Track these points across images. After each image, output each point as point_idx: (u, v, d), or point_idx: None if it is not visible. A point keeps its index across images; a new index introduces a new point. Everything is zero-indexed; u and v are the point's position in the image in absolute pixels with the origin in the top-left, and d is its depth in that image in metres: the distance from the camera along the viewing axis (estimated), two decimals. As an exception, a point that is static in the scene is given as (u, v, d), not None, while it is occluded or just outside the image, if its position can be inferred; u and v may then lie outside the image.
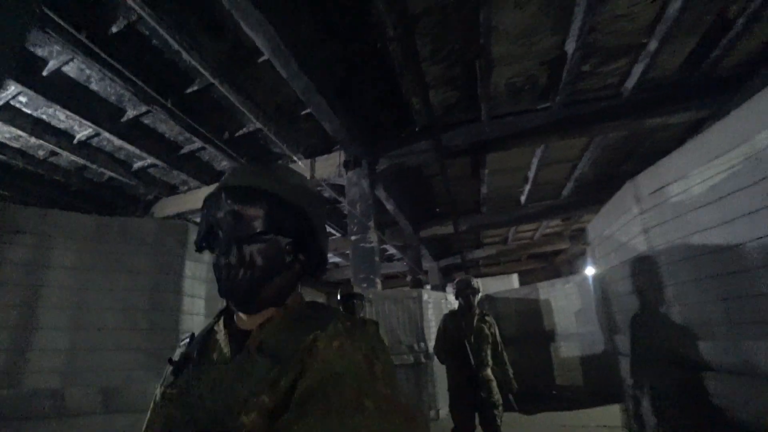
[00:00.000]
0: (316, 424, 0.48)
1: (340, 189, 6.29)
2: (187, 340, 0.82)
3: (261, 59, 3.99)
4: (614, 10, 3.87)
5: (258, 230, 0.72)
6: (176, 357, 0.78)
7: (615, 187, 7.21)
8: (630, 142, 6.59)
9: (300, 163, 5.54)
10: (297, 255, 0.78)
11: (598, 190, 8.24)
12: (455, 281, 3.76)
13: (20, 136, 5.35)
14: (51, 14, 3.38)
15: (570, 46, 4.14)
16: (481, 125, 5.07)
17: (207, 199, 0.77)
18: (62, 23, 3.47)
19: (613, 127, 5.22)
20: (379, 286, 4.83)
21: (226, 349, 0.72)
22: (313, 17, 3.57)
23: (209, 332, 0.79)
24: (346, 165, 5.12)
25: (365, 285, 4.60)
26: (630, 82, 4.84)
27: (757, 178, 1.66)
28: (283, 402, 0.60)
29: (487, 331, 3.42)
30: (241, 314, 0.76)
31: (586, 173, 7.59)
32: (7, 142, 5.61)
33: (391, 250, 11.04)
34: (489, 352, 3.38)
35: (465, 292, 3.53)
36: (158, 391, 0.76)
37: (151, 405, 0.77)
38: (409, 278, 9.87)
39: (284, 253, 0.75)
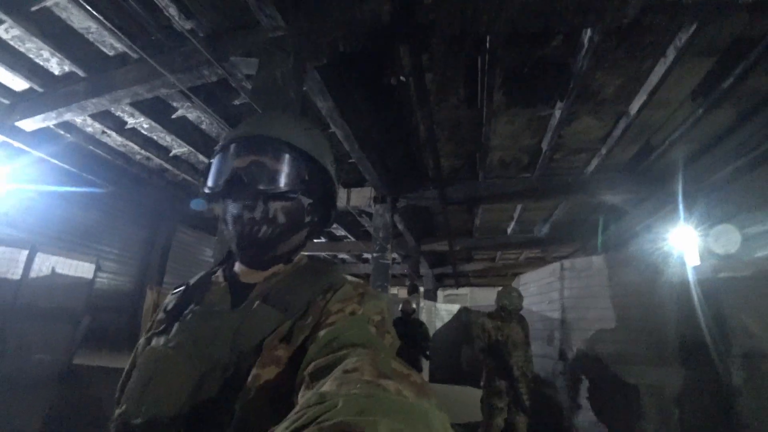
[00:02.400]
0: (336, 404, 0.35)
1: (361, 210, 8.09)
2: (182, 289, 0.77)
3: (330, 131, 5.73)
4: (575, 128, 5.61)
5: (285, 188, 0.72)
6: (169, 306, 0.74)
7: (585, 230, 9.34)
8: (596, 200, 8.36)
9: (339, 191, 7.31)
10: (314, 215, 0.79)
11: (570, 231, 10.05)
12: (501, 288, 3.96)
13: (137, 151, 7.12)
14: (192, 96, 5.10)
15: (545, 145, 5.88)
16: (477, 184, 6.84)
17: (230, 142, 0.74)
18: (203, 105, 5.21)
19: (575, 198, 7.00)
20: (390, 292, 6.64)
21: (226, 299, 0.70)
22: (373, 119, 5.32)
23: (206, 282, 0.76)
24: (375, 200, 6.89)
25: (380, 290, 6.40)
26: (590, 168, 6.60)
27: (543, 292, 4.22)
28: (294, 358, 0.58)
29: (524, 336, 3.65)
30: (245, 267, 0.75)
31: (560, 218, 9.37)
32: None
33: (393, 255, 12.88)
34: (525, 355, 3.61)
35: (511, 296, 3.74)
36: (141, 341, 0.73)
37: (132, 355, 0.72)
38: (408, 284, 11.71)
39: (305, 212, 0.76)
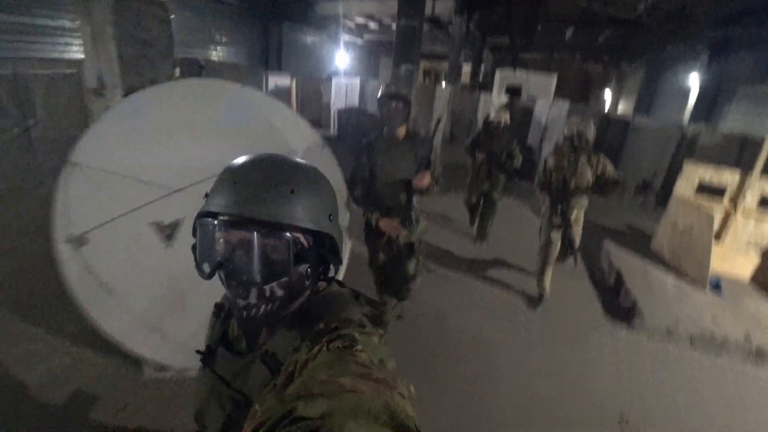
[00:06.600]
0: (295, 407, 0.40)
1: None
2: (221, 316, 0.84)
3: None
4: None
5: (281, 268, 0.65)
6: (213, 327, 0.85)
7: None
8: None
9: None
10: (316, 272, 0.73)
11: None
12: (569, 118, 3.57)
13: None
14: None
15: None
16: None
17: (218, 213, 0.64)
18: None
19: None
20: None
21: (242, 342, 0.77)
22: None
23: (228, 317, 0.82)
24: (455, 12, 8.73)
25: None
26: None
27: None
28: None
29: (589, 175, 3.28)
30: None
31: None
32: None
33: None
34: (584, 197, 3.35)
35: (578, 129, 3.31)
36: (200, 357, 0.80)
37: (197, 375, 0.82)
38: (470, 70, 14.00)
39: (305, 278, 0.71)
